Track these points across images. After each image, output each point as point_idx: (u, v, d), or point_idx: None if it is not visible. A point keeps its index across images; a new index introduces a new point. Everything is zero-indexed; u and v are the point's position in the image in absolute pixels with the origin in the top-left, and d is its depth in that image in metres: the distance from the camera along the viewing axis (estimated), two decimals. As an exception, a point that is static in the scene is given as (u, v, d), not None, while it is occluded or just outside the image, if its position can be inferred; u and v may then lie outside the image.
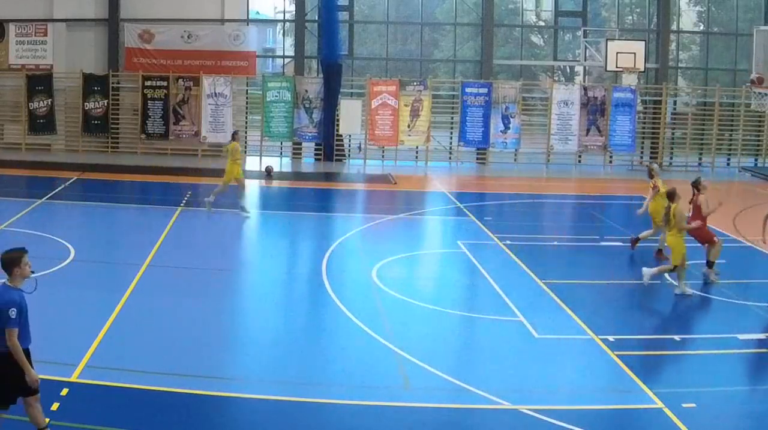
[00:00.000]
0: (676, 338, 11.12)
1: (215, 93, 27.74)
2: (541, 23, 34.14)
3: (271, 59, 35.94)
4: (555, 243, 17.09)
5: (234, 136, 19.45)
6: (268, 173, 24.96)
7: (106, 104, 27.89)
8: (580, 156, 29.27)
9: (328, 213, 20.30)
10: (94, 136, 28.09)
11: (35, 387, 7.30)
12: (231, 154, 18.50)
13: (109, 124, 28.02)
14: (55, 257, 14.13)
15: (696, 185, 14.39)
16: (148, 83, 27.75)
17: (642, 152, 29.88)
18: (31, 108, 27.69)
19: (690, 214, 13.98)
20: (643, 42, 28.75)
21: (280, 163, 28.21)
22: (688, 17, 32.90)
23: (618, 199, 23.78)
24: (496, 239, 16.72)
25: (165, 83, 27.75)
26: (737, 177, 28.51)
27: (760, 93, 26.51)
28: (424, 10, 32.31)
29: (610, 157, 29.24)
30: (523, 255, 15.39)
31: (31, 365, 7.29)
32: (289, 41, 32.06)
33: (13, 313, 7.17)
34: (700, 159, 29.89)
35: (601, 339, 10.88)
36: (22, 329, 7.26)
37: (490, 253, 15.79)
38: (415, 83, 28.55)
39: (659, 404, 8.86)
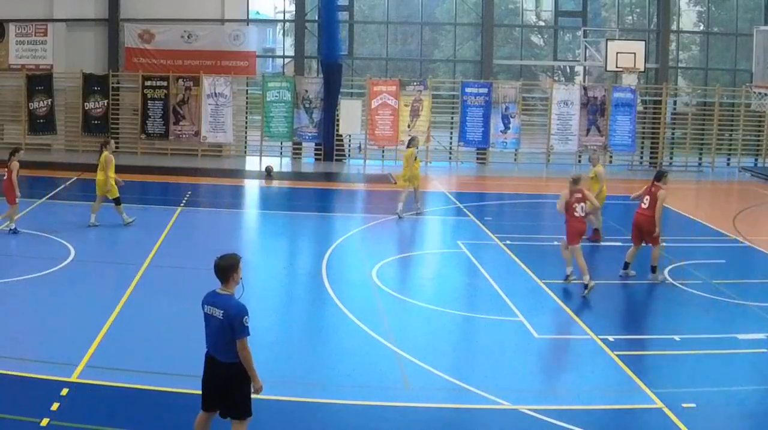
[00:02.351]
0: (676, 338, 11.13)
1: (215, 93, 27.74)
2: (541, 23, 34.13)
3: (271, 59, 35.94)
4: (555, 243, 17.07)
5: (410, 143, 19.13)
6: (268, 173, 24.96)
7: (106, 104, 27.90)
8: (580, 156, 29.25)
9: (328, 213, 20.29)
10: (94, 136, 28.06)
11: (257, 391, 7.14)
12: (415, 161, 18.77)
13: (109, 124, 28.02)
14: (55, 257, 14.14)
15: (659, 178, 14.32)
16: (148, 83, 27.75)
17: (642, 152, 29.89)
18: (31, 108, 27.70)
19: (647, 205, 13.96)
20: (643, 42, 28.74)
21: (280, 163, 28.21)
22: (688, 17, 32.91)
23: (618, 200, 23.76)
24: (496, 239, 16.72)
25: (165, 83, 27.75)
26: (737, 177, 28.51)
27: (760, 93, 26.52)
28: (424, 10, 32.30)
29: (610, 157, 29.23)
30: (523, 255, 15.40)
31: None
32: (289, 41, 32.06)
33: (247, 321, 7.03)
34: (700, 159, 29.90)
35: (601, 339, 10.89)
36: None
37: (490, 253, 15.80)
38: (415, 83, 28.55)
39: (659, 404, 8.87)
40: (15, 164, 15.96)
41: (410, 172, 18.80)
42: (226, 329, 7.01)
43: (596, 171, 16.93)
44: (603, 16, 33.56)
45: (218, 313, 7.07)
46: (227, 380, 7.08)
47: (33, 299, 12.06)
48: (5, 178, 16.02)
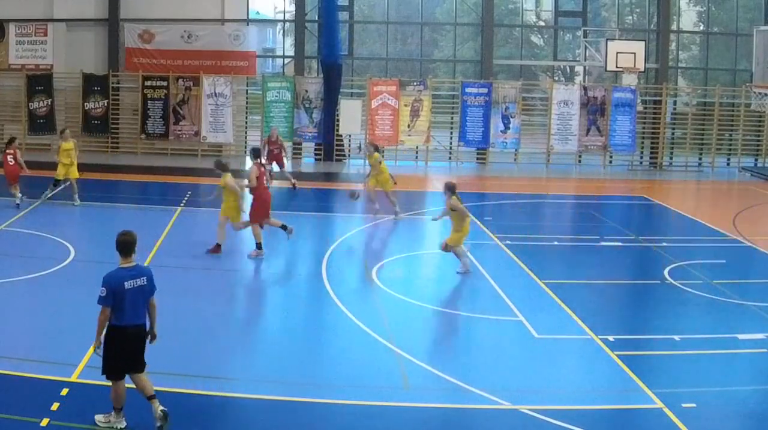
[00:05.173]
0: (676, 338, 11.13)
1: (215, 93, 27.74)
2: (541, 23, 34.14)
3: (271, 59, 35.94)
4: (555, 243, 17.09)
5: (376, 148, 20.20)
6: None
7: (106, 104, 27.89)
8: (580, 156, 29.26)
9: (328, 213, 20.29)
10: (94, 136, 28.08)
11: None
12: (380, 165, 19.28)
13: (109, 124, 28.02)
14: (55, 257, 14.14)
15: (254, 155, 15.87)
16: (148, 83, 27.74)
17: (642, 152, 29.89)
18: (31, 108, 27.70)
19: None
20: (643, 42, 28.75)
21: (280, 163, 28.15)
22: (688, 17, 32.90)
23: (618, 199, 23.80)
24: (496, 239, 16.72)
25: (165, 83, 27.74)
26: (737, 177, 28.52)
27: (760, 93, 26.52)
28: (424, 10, 32.29)
29: (610, 157, 29.23)
30: (523, 255, 15.40)
31: None
32: (289, 41, 32.06)
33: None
34: (700, 159, 29.90)
35: (601, 339, 10.89)
36: None
37: (490, 253, 15.79)
38: (415, 83, 28.54)
39: (659, 404, 8.86)
40: None
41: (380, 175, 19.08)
42: (148, 292, 7.98)
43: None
44: (603, 16, 33.57)
45: (142, 280, 7.92)
46: (143, 339, 8.03)
47: (33, 299, 12.06)
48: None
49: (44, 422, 7.91)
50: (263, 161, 16.15)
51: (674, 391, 9.18)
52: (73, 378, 8.97)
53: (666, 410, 8.72)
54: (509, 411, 8.75)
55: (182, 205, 19.56)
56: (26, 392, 8.64)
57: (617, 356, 10.29)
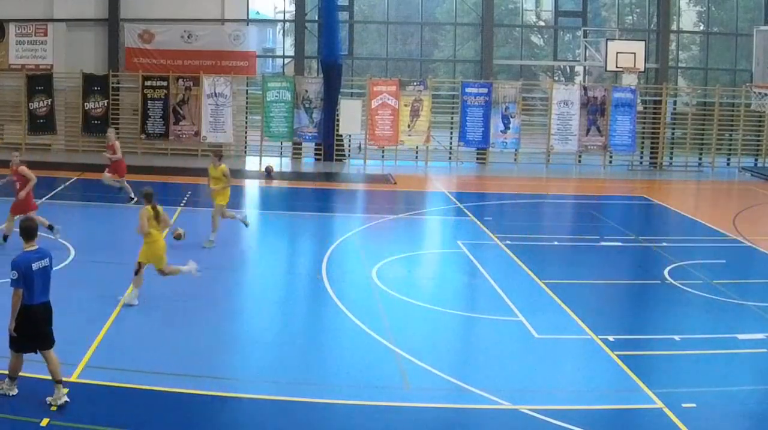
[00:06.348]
0: (676, 338, 11.13)
1: (215, 93, 27.73)
2: (541, 23, 34.15)
3: (271, 59, 35.95)
4: (555, 243, 17.09)
5: (220, 156, 16.85)
6: (268, 173, 24.95)
7: (106, 104, 27.89)
8: (580, 156, 29.26)
9: (328, 213, 20.30)
10: (94, 136, 28.06)
11: None
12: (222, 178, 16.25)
13: (109, 124, 27.95)
14: (55, 257, 14.04)
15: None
16: (148, 83, 27.74)
17: (642, 152, 29.89)
18: (31, 108, 27.69)
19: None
20: (643, 42, 28.76)
21: (280, 163, 28.20)
22: (688, 17, 32.91)
23: (618, 199, 23.80)
24: (496, 239, 16.72)
25: (165, 83, 27.74)
26: (737, 177, 28.52)
27: (760, 93, 26.52)
28: (424, 10, 32.30)
29: (610, 157, 29.23)
30: (523, 255, 15.39)
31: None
32: (289, 41, 32.08)
33: None
34: (700, 159, 29.90)
35: (601, 339, 10.89)
36: None
37: (490, 253, 15.80)
38: (415, 83, 28.55)
39: (659, 404, 8.87)
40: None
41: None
42: (50, 271, 8.67)
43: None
44: (603, 16, 33.57)
45: (46, 261, 8.59)
46: (50, 315, 8.64)
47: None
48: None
49: (44, 422, 7.91)
50: None
51: (674, 391, 9.18)
52: (73, 378, 8.97)
53: (666, 410, 8.72)
54: (509, 411, 8.75)
55: (182, 205, 19.55)
56: (26, 392, 8.63)
57: (617, 356, 10.30)
